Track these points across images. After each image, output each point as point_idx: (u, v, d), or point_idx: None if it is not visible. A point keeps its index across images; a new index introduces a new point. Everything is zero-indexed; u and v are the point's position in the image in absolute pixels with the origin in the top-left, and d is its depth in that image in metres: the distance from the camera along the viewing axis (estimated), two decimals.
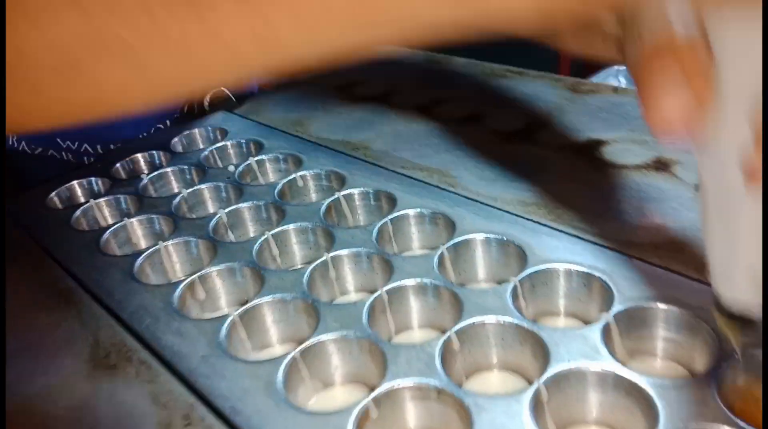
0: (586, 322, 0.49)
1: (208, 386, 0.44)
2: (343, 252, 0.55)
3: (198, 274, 0.55)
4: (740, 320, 0.32)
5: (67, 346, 0.50)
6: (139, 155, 0.77)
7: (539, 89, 0.80)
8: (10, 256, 0.62)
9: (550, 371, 0.41)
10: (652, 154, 0.63)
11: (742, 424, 0.36)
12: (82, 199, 0.72)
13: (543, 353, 0.43)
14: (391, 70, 0.92)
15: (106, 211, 0.68)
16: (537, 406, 0.40)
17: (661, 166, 0.61)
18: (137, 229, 0.64)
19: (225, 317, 0.50)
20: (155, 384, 0.45)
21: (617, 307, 0.45)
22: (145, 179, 0.71)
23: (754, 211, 0.27)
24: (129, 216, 0.65)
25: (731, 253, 0.30)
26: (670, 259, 0.49)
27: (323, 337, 0.47)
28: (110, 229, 0.63)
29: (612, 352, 0.42)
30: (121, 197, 0.69)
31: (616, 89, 0.77)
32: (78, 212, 0.67)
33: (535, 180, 0.62)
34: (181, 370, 0.46)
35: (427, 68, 0.93)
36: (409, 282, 0.51)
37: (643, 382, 0.39)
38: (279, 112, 0.83)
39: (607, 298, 0.47)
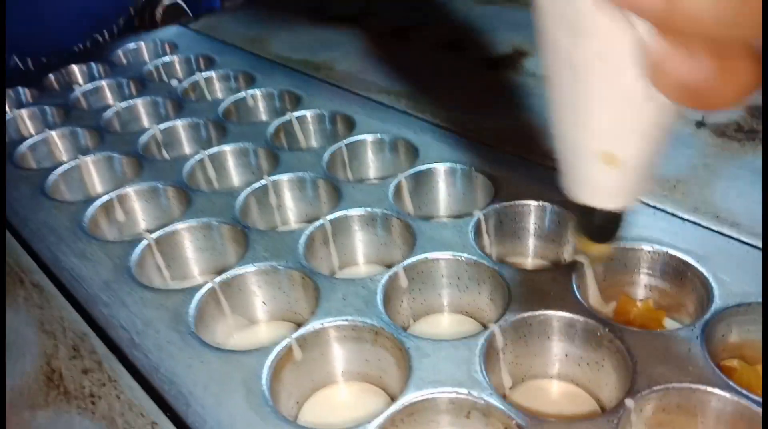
0: (557, 265, 0.42)
1: (106, 315, 0.37)
2: (285, 176, 0.48)
3: (116, 192, 0.48)
4: (598, 224, 0.26)
5: None
6: (75, 66, 0.68)
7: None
8: None
9: (510, 316, 0.34)
10: None
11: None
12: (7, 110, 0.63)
13: (503, 295, 0.36)
14: None
15: (29, 123, 0.60)
16: (489, 353, 0.33)
17: None
18: (58, 142, 0.56)
19: (138, 240, 0.42)
20: (46, 310, 0.38)
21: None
22: (77, 91, 0.63)
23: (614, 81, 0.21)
24: (51, 128, 0.57)
25: (577, 138, 0.23)
26: (663, 198, 0.42)
27: (248, 267, 0.40)
28: (28, 142, 0.55)
29: None
30: (47, 108, 0.61)
31: None
32: None
33: (520, 108, 0.55)
34: (78, 296, 0.39)
35: None
36: (357, 211, 0.44)
37: (622, 333, 0.33)
38: (238, 29, 0.75)
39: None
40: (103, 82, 0.64)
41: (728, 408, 0.30)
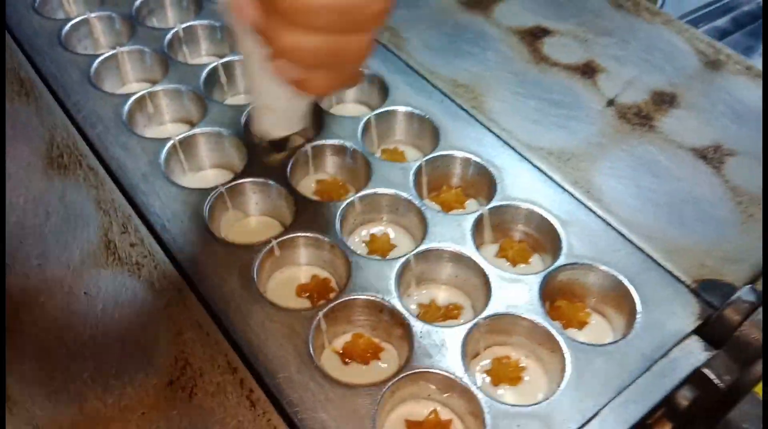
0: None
1: (145, 202, 0.52)
2: None
3: (147, 90, 0.61)
4: (271, 143, 0.51)
5: (25, 137, 0.56)
6: None
7: None
8: None
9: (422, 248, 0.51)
10: (586, 56, 0.68)
11: None
12: None
13: (423, 227, 0.52)
14: None
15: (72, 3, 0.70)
16: (405, 270, 0.50)
17: (588, 71, 0.67)
18: (97, 25, 0.67)
19: (167, 140, 0.56)
20: (100, 191, 0.53)
21: (494, 203, 0.54)
22: None
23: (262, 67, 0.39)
24: (91, 10, 0.67)
25: (257, 99, 0.45)
26: (556, 167, 0.57)
27: (247, 179, 0.55)
28: (71, 22, 0.66)
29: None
30: None
31: None
32: None
33: (476, 59, 0.67)
34: (124, 183, 0.54)
35: None
36: (333, 141, 0.58)
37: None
38: None
39: (490, 189, 0.55)
40: None
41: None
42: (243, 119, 0.57)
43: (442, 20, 0.71)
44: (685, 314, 0.49)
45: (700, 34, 0.71)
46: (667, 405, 0.45)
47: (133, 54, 0.64)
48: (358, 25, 0.35)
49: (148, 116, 0.61)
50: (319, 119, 0.58)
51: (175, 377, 0.43)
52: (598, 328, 0.51)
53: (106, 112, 0.59)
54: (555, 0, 0.74)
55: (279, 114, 0.46)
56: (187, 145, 0.57)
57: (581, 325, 0.51)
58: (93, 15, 0.67)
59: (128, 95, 0.60)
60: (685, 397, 0.45)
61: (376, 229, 0.55)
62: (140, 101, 0.60)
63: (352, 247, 0.51)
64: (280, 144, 0.52)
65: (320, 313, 0.47)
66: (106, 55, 0.63)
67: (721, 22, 1.50)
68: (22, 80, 0.61)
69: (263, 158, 0.55)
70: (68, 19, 0.66)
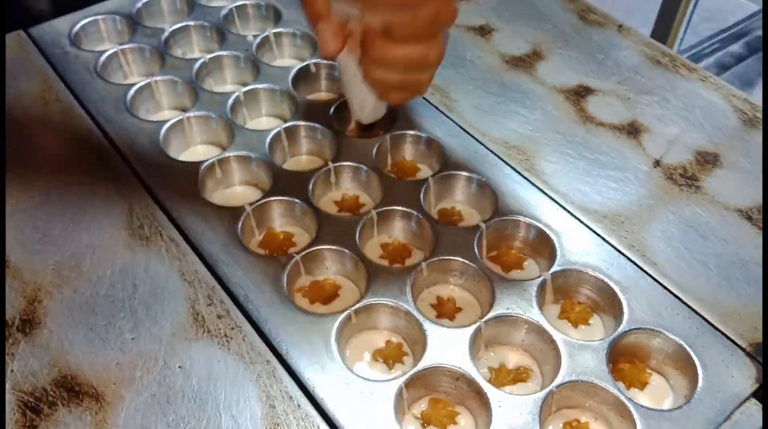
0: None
1: (227, 273, 0.55)
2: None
3: (217, 157, 0.63)
4: (362, 126, 0.65)
5: (105, 208, 0.59)
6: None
7: (552, 4, 0.84)
8: (30, 84, 0.68)
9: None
10: (629, 115, 0.71)
11: None
12: (106, 39, 0.76)
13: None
14: None
15: (130, 58, 0.73)
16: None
17: (633, 130, 0.70)
18: (161, 88, 0.70)
19: (241, 209, 0.59)
20: (183, 262, 0.56)
21: (556, 268, 0.57)
22: (167, 32, 0.75)
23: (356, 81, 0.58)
24: (153, 74, 0.70)
25: (354, 101, 0.61)
26: (611, 230, 0.60)
27: (321, 246, 0.57)
28: (136, 87, 0.69)
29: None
30: (146, 48, 0.73)
31: (620, 27, 0.82)
32: (103, 58, 0.72)
33: (524, 120, 0.70)
34: (204, 253, 0.56)
35: None
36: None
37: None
38: None
39: (551, 253, 0.58)
40: (191, 23, 0.76)
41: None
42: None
43: (489, 79, 0.74)
44: (743, 377, 0.51)
45: (736, 91, 0.74)
46: None
47: (200, 119, 0.67)
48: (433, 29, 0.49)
49: (216, 180, 0.64)
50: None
51: None
52: (659, 388, 0.54)
53: (178, 179, 0.61)
54: (594, 57, 0.78)
55: (368, 110, 0.62)
56: (259, 212, 0.60)
57: (643, 385, 0.54)
58: (157, 79, 0.70)
59: (200, 162, 0.63)
60: None
61: (443, 292, 0.58)
62: (211, 168, 0.63)
63: (420, 309, 0.54)
64: (369, 128, 0.66)
65: (401, 381, 0.49)
66: (173, 120, 0.66)
67: (735, 47, 1.54)
68: (95, 148, 0.64)
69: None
70: (132, 84, 0.69)
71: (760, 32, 1.57)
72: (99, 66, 0.71)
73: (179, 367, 0.50)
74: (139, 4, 0.78)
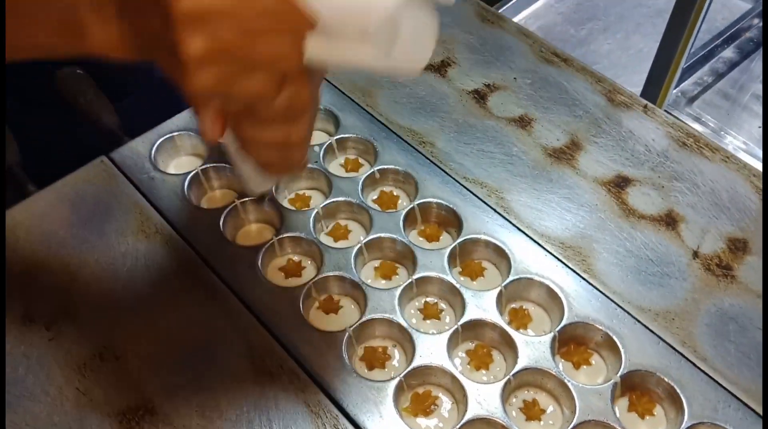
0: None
1: (344, 399, 0.63)
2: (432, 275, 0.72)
3: (313, 280, 0.71)
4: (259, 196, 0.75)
5: (224, 344, 0.66)
6: None
7: (581, 88, 0.91)
8: (127, 217, 0.74)
9: None
10: (665, 205, 0.80)
11: None
12: (185, 160, 0.82)
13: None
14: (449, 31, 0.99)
15: (214, 180, 0.80)
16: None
17: (671, 221, 0.78)
18: (249, 211, 0.77)
19: (343, 332, 0.67)
20: (308, 393, 0.64)
21: (624, 370, 0.66)
22: None
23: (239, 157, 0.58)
24: (241, 196, 0.77)
25: (241, 175, 0.62)
26: (664, 328, 0.69)
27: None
28: (226, 211, 0.76)
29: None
30: (227, 167, 0.80)
31: (645, 107, 0.89)
32: (188, 179, 0.78)
33: (575, 216, 0.78)
34: (323, 383, 0.64)
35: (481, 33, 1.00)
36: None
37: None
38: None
39: (614, 359, 0.67)
40: None
41: None
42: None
43: (537, 175, 0.82)
44: None
45: (757, 171, 0.83)
46: None
47: (292, 239, 0.74)
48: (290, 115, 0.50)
49: (316, 302, 0.72)
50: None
51: None
52: None
53: (284, 308, 0.69)
54: (627, 144, 0.86)
55: (252, 185, 0.64)
56: (361, 335, 0.68)
57: None
58: (245, 200, 0.76)
59: (300, 287, 0.70)
60: None
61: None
62: (309, 292, 0.70)
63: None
64: (263, 195, 0.77)
65: None
66: (268, 244, 0.73)
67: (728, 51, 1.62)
68: (203, 283, 0.71)
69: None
70: (224, 207, 0.76)
71: (750, 34, 1.65)
72: (186, 189, 0.77)
73: None
74: None
